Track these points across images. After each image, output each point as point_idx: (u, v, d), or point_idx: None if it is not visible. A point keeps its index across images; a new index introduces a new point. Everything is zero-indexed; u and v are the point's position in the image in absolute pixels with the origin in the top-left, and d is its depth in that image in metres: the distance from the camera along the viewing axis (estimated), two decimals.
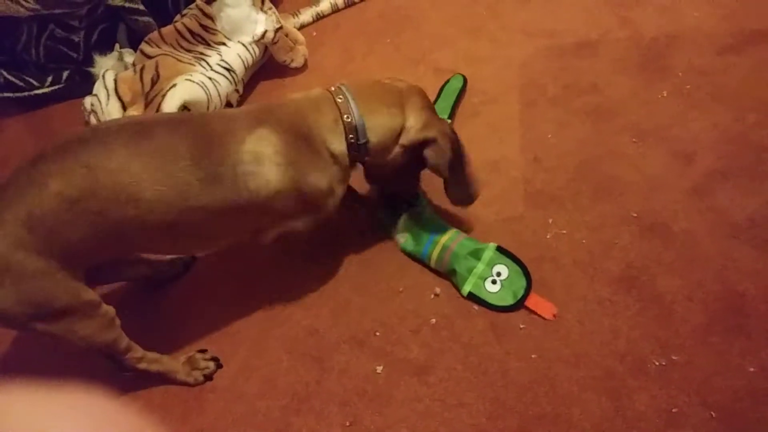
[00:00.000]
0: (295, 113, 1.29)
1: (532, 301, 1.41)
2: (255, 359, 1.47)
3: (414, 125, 1.35)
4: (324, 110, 1.31)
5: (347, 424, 1.32)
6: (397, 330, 1.44)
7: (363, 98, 1.33)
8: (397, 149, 1.37)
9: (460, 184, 1.42)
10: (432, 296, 1.48)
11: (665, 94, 1.76)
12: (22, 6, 2.11)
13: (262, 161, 1.23)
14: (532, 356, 1.33)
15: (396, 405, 1.33)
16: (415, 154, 1.37)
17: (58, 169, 1.11)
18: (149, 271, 1.63)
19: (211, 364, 1.46)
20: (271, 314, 1.55)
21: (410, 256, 1.57)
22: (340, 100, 1.31)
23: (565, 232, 1.52)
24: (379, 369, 1.38)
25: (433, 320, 1.44)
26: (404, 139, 1.36)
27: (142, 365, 1.38)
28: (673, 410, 1.19)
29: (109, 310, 1.28)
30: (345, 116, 1.30)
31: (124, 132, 1.17)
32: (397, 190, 1.57)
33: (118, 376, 1.41)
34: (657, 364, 1.26)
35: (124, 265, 1.54)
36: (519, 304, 1.41)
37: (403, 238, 1.58)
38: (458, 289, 1.47)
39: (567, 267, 1.46)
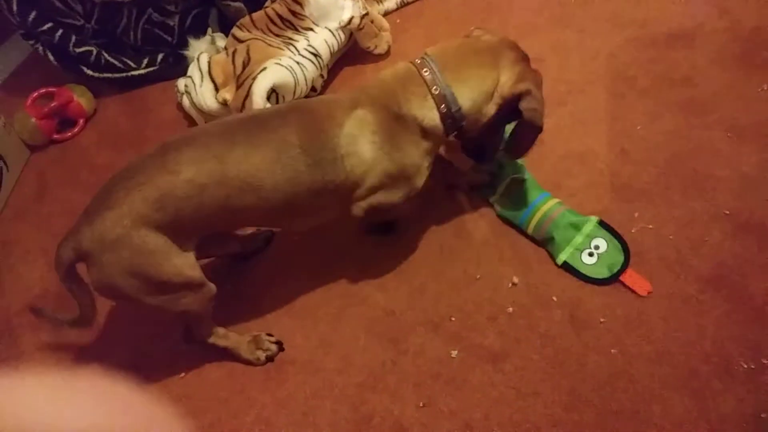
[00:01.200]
0: (386, 92, 1.33)
1: (628, 277, 1.40)
2: (333, 335, 1.51)
3: (508, 80, 1.34)
4: (411, 87, 1.32)
5: (421, 404, 1.34)
6: (473, 316, 1.45)
7: (450, 66, 1.33)
8: (491, 107, 1.36)
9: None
10: (510, 285, 1.48)
11: (765, 88, 1.67)
12: None
13: (359, 141, 1.29)
14: (612, 351, 1.31)
15: (470, 390, 1.34)
16: (508, 109, 1.37)
17: (189, 158, 1.23)
18: (238, 246, 1.70)
19: (274, 347, 1.52)
20: (349, 292, 1.59)
21: (506, 221, 1.59)
22: (426, 73, 1.32)
23: (651, 227, 1.48)
24: (454, 353, 1.40)
25: (510, 309, 1.44)
26: (498, 97, 1.35)
27: (212, 339, 1.47)
28: (762, 415, 1.15)
29: (211, 289, 1.37)
30: (433, 88, 1.31)
31: (245, 126, 1.29)
32: (485, 145, 1.54)
33: (188, 344, 1.49)
34: (745, 366, 1.21)
35: (218, 242, 1.61)
36: (613, 278, 1.41)
37: (500, 204, 1.60)
38: (553, 258, 1.49)
39: (652, 262, 1.42)
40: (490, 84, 1.34)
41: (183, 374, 1.54)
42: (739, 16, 1.89)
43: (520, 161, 1.64)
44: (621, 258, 1.43)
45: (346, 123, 1.29)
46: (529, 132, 1.38)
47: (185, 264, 1.29)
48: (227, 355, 1.51)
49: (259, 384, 1.47)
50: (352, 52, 2.28)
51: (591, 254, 1.45)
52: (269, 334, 1.54)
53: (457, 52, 1.37)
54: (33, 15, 2.31)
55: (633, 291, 1.39)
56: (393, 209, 1.43)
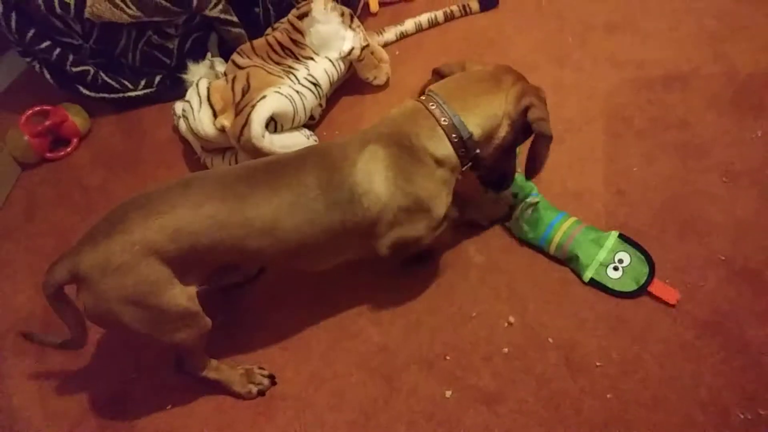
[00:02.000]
0: (395, 128, 1.36)
1: (655, 287, 1.43)
2: (325, 370, 1.49)
3: (512, 101, 1.39)
4: (419, 121, 1.36)
5: None
6: (469, 356, 1.44)
7: (454, 97, 1.37)
8: (503, 129, 1.40)
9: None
10: (506, 324, 1.47)
11: (759, 134, 1.70)
12: (126, 13, 2.23)
13: (373, 178, 1.31)
14: (608, 396, 1.30)
15: (463, 431, 1.32)
16: (519, 127, 1.41)
17: (213, 194, 1.25)
18: (241, 276, 1.68)
19: (266, 381, 1.49)
20: (342, 326, 1.57)
21: (526, 243, 1.61)
22: (432, 107, 1.36)
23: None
24: (449, 394, 1.38)
25: (506, 349, 1.43)
26: (507, 117, 1.39)
27: (204, 372, 1.45)
28: None
29: (208, 322, 1.36)
30: (442, 120, 1.34)
31: (267, 168, 1.31)
32: (503, 172, 1.57)
33: (178, 375, 1.47)
34: (742, 417, 1.21)
35: (223, 273, 1.57)
36: (641, 290, 1.44)
37: (518, 228, 1.61)
38: (579, 276, 1.51)
39: (648, 305, 1.42)
40: (497, 107, 1.39)
41: (170, 407, 1.51)
42: (734, 61, 1.92)
43: (531, 184, 1.67)
44: (646, 269, 1.46)
45: (359, 160, 1.31)
46: (542, 144, 1.40)
47: (185, 296, 1.27)
48: (218, 388, 1.48)
49: (248, 419, 1.44)
50: (351, 82, 2.28)
51: (616, 268, 1.48)
52: (261, 367, 1.51)
53: (458, 84, 1.42)
54: (31, 33, 2.29)
55: (663, 301, 1.42)
56: (419, 242, 1.42)
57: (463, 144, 1.35)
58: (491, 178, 1.56)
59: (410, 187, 1.32)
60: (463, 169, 1.41)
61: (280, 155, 1.42)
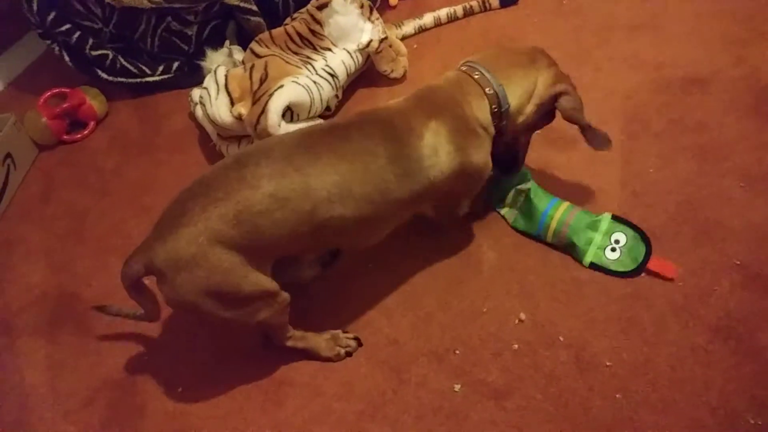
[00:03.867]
0: (449, 99, 1.39)
1: (654, 264, 1.46)
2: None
3: (545, 81, 1.44)
4: (468, 89, 1.40)
5: None
6: (478, 351, 1.44)
7: (495, 68, 1.42)
8: (530, 107, 1.46)
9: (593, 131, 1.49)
10: (516, 321, 1.47)
11: None
12: None
13: (438, 152, 1.34)
14: (617, 396, 1.30)
15: (471, 426, 1.32)
16: (544, 110, 1.48)
17: (270, 171, 1.21)
18: (309, 274, 1.68)
19: (353, 342, 1.50)
20: (352, 317, 1.57)
21: (522, 233, 1.64)
22: (477, 76, 1.41)
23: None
24: (457, 387, 1.38)
25: (516, 346, 1.43)
26: (536, 97, 1.45)
27: (291, 342, 1.45)
28: None
29: (286, 297, 1.35)
30: (486, 89, 1.40)
31: (323, 138, 1.29)
32: (516, 153, 1.62)
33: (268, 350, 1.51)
34: (752, 422, 1.20)
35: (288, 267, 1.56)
36: (641, 268, 1.47)
37: (513, 216, 1.65)
38: (579, 262, 1.54)
39: (660, 308, 1.42)
40: (531, 83, 1.44)
41: (180, 389, 1.52)
42: (756, 65, 1.91)
43: (525, 170, 1.69)
44: (643, 247, 1.49)
45: (426, 135, 1.33)
46: (584, 133, 1.47)
47: (262, 277, 1.27)
48: (307, 355, 1.49)
49: (257, 404, 1.45)
50: (367, 73, 2.29)
51: (614, 249, 1.51)
52: (345, 331, 1.52)
53: (498, 56, 1.48)
54: (52, 15, 2.32)
55: (662, 276, 1.45)
56: (464, 203, 1.55)
57: (498, 115, 1.41)
58: (503, 158, 1.60)
59: (467, 158, 1.37)
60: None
61: (332, 121, 1.43)
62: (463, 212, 1.63)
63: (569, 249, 1.56)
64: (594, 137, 1.48)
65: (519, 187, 1.64)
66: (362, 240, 1.45)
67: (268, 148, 1.27)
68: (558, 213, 1.57)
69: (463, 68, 1.45)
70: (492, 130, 1.42)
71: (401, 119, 1.34)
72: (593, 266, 1.51)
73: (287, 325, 1.42)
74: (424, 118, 1.34)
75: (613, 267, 1.49)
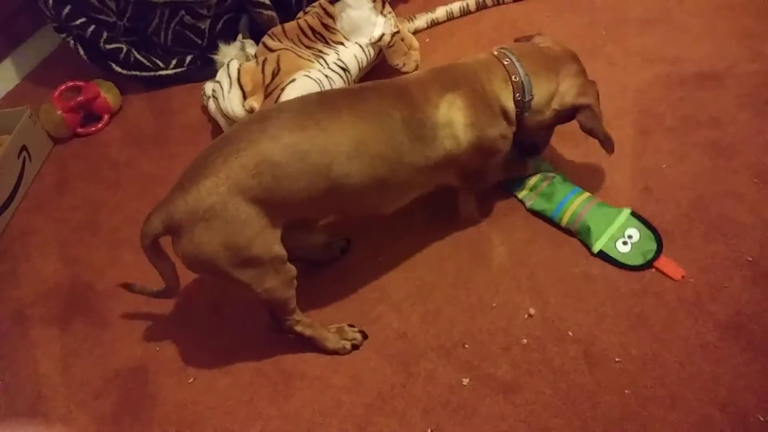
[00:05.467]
0: (471, 75, 1.44)
1: (661, 263, 1.48)
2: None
3: (569, 90, 1.49)
4: (494, 71, 1.45)
5: (428, 431, 1.33)
6: (487, 345, 1.44)
7: (526, 59, 1.47)
8: (549, 112, 1.50)
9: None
10: (525, 316, 1.47)
11: None
12: None
13: (454, 124, 1.39)
14: (626, 392, 1.29)
15: (479, 420, 1.33)
16: (564, 116, 1.52)
17: (292, 124, 1.26)
18: (315, 251, 1.69)
19: (359, 336, 1.51)
20: (362, 311, 1.58)
21: (538, 214, 1.66)
22: (506, 62, 1.45)
23: None
24: (465, 381, 1.39)
25: (525, 341, 1.43)
26: (557, 103, 1.49)
27: (299, 328, 1.46)
28: None
29: (293, 269, 1.37)
30: (513, 76, 1.44)
31: (345, 98, 1.35)
32: (537, 142, 1.67)
33: (274, 334, 1.51)
34: (762, 419, 1.20)
35: (298, 239, 1.55)
36: (647, 265, 1.49)
37: (531, 199, 1.66)
38: (588, 248, 1.56)
39: (670, 304, 1.41)
40: (553, 87, 1.49)
41: (192, 380, 1.54)
42: None
43: (546, 164, 1.72)
44: (654, 246, 1.50)
45: (441, 105, 1.37)
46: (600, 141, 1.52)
47: (274, 239, 1.29)
48: (312, 345, 1.50)
49: (266, 396, 1.47)
50: (379, 67, 2.29)
51: (625, 243, 1.52)
52: (351, 325, 1.53)
53: (530, 50, 1.52)
54: (67, 9, 2.33)
55: (667, 276, 1.45)
56: (486, 178, 1.58)
57: (522, 104, 1.45)
58: (523, 144, 1.63)
59: (483, 132, 1.41)
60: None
61: (350, 86, 1.46)
62: (492, 183, 1.65)
63: (582, 234, 1.57)
64: (609, 145, 1.51)
65: (545, 173, 1.69)
66: (377, 204, 1.47)
67: (289, 104, 1.33)
68: (578, 200, 1.60)
69: (495, 53, 1.48)
70: (512, 117, 1.46)
71: (417, 88, 1.39)
72: (601, 254, 1.53)
73: (292, 303, 1.42)
74: (440, 90, 1.39)
75: (620, 259, 1.50)
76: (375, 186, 1.35)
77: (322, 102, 1.32)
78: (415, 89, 1.39)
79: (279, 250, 1.31)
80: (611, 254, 1.52)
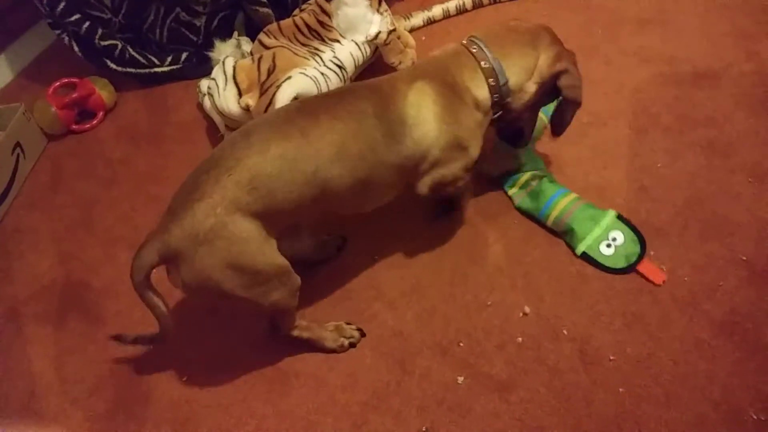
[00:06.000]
0: (441, 67, 1.43)
1: (643, 266, 1.48)
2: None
3: (546, 59, 1.45)
4: (463, 60, 1.43)
5: (423, 429, 1.33)
6: (482, 344, 1.44)
7: (495, 43, 1.44)
8: (531, 85, 1.46)
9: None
10: (520, 314, 1.47)
11: None
12: None
13: (422, 112, 1.37)
14: (620, 390, 1.30)
15: (474, 418, 1.33)
16: (548, 89, 1.48)
17: (276, 135, 1.26)
18: (309, 251, 1.68)
19: (356, 333, 1.51)
20: (357, 309, 1.58)
21: (525, 213, 1.67)
22: (474, 50, 1.43)
23: (665, 267, 1.47)
24: (460, 380, 1.39)
25: (520, 339, 1.43)
26: (537, 76, 1.45)
27: (296, 332, 1.46)
28: None
29: (297, 278, 1.36)
30: (482, 62, 1.42)
31: (322, 102, 1.35)
32: (522, 129, 1.62)
33: (274, 339, 1.51)
34: (755, 417, 1.20)
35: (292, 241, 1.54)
36: (630, 268, 1.49)
37: (520, 197, 1.67)
38: (572, 249, 1.56)
39: (665, 303, 1.41)
40: (531, 61, 1.45)
41: (185, 378, 1.54)
42: (766, 61, 1.89)
43: (540, 160, 1.73)
44: (637, 249, 1.50)
45: (409, 93, 1.37)
46: (569, 108, 1.48)
47: (275, 251, 1.28)
48: (311, 346, 1.49)
49: (262, 394, 1.46)
50: (375, 65, 2.28)
51: (609, 245, 1.52)
52: (348, 323, 1.53)
53: (499, 32, 1.49)
54: (62, 5, 2.32)
55: (648, 280, 1.46)
56: (454, 182, 1.50)
57: (498, 90, 1.42)
58: (508, 133, 1.63)
59: (453, 124, 1.39)
60: (493, 116, 1.48)
61: (328, 91, 1.45)
62: (465, 185, 1.59)
63: (566, 235, 1.57)
64: (567, 119, 1.51)
65: (534, 171, 1.68)
66: (360, 204, 1.47)
67: (270, 117, 1.32)
68: (565, 200, 1.59)
69: (464, 42, 1.48)
70: (488, 104, 1.44)
71: (387, 83, 1.40)
72: (584, 256, 1.53)
73: (296, 311, 1.42)
74: (410, 80, 1.39)
75: (603, 261, 1.51)
76: (358, 186, 1.34)
77: (301, 109, 1.32)
78: (384, 84, 1.40)
79: (282, 260, 1.30)
80: (594, 256, 1.52)
